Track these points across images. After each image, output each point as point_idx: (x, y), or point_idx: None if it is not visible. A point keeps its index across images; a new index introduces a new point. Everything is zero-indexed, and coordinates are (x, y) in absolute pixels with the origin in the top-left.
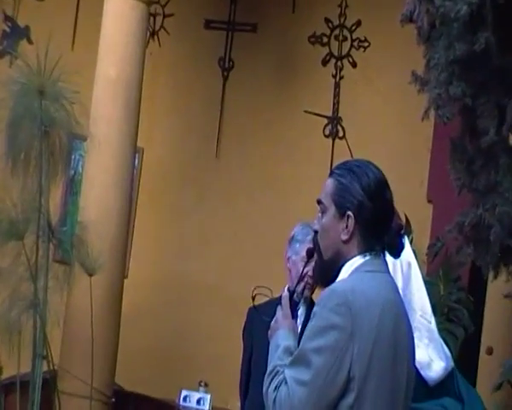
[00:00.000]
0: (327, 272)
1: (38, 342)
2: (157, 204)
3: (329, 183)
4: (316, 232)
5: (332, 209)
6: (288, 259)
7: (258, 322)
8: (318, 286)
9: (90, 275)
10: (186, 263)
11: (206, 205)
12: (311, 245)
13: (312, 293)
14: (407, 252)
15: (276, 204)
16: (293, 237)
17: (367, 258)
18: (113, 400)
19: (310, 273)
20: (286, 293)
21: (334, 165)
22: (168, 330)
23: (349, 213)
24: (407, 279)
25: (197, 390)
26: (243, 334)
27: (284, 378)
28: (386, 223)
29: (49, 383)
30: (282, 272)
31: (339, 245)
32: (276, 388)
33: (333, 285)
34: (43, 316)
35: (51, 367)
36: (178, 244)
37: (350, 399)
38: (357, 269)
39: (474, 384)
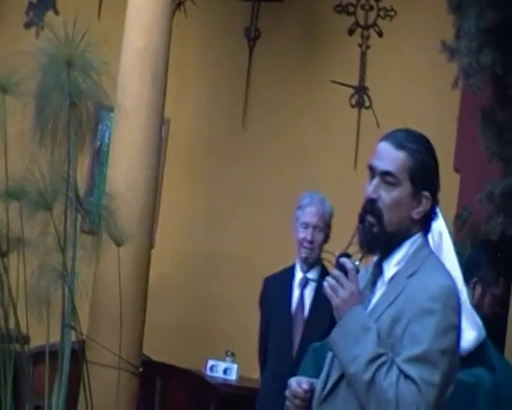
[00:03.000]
0: (387, 243)
1: (67, 312)
2: (183, 174)
3: (403, 157)
4: (373, 200)
5: (408, 186)
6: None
7: (274, 291)
8: (366, 254)
9: (118, 245)
10: (212, 233)
11: (232, 175)
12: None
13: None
14: (438, 222)
15: (302, 173)
16: (297, 205)
17: (422, 236)
18: (141, 370)
19: (308, 238)
20: (351, 265)
21: (385, 134)
22: (194, 301)
23: (426, 194)
24: (438, 250)
25: (224, 360)
26: (260, 303)
27: (402, 373)
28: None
29: (78, 354)
30: None
31: (407, 221)
32: (395, 382)
33: (443, 281)
34: (71, 286)
35: (79, 337)
36: (205, 215)
37: (449, 391)
38: (419, 249)
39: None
